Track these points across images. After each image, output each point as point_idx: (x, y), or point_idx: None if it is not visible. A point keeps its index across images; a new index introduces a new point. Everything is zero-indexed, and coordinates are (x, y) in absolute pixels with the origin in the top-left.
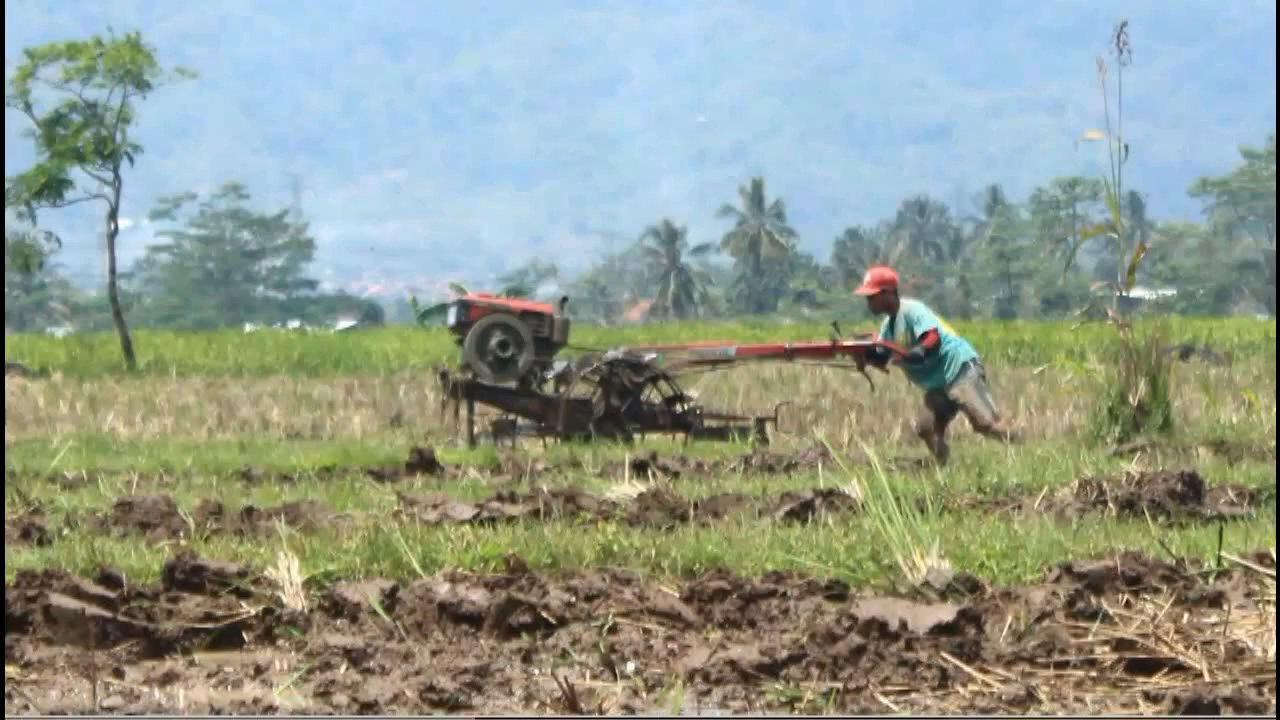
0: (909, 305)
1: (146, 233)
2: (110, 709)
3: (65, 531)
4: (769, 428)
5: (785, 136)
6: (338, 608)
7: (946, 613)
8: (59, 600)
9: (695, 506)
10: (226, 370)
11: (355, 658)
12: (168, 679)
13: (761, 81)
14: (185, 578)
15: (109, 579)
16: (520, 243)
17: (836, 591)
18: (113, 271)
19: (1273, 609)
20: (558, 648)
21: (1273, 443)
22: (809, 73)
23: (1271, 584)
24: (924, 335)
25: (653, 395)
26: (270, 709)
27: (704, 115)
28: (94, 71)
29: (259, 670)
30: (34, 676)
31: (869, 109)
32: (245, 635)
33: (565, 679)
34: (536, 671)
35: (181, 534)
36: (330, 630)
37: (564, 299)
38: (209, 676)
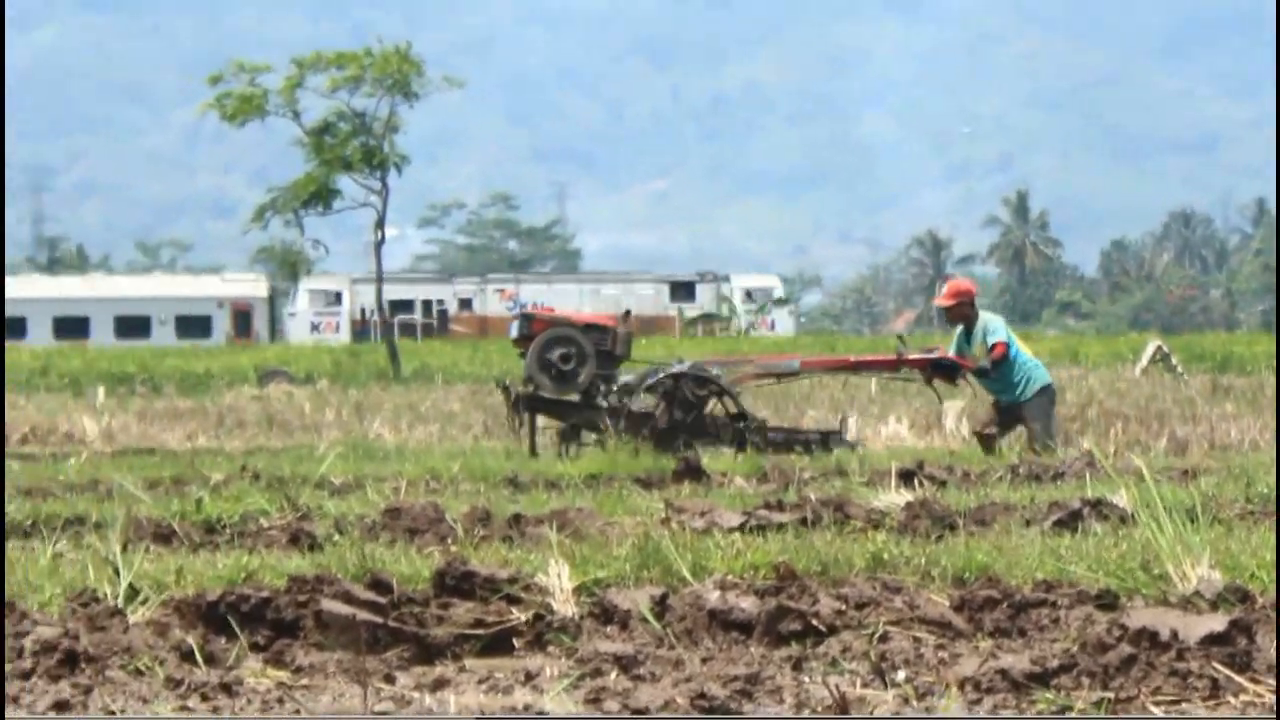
0: (986, 317)
1: (413, 241)
2: (382, 714)
3: (335, 537)
4: (834, 440)
5: (1049, 148)
6: (608, 614)
7: (1218, 623)
8: (330, 606)
9: (963, 515)
10: (492, 377)
11: (626, 664)
12: (438, 684)
13: (1025, 93)
14: (455, 584)
15: (379, 584)
16: (784, 252)
17: (1106, 601)
18: (379, 280)
19: None
20: (828, 655)
21: None
22: (1073, 84)
23: None
24: (993, 347)
25: (716, 409)
26: (541, 715)
27: (968, 127)
28: (362, 81)
29: (529, 676)
30: (305, 682)
31: (1134, 120)
32: (515, 641)
33: (836, 686)
34: (807, 679)
35: (450, 540)
36: (600, 637)
37: (627, 312)
38: (479, 682)
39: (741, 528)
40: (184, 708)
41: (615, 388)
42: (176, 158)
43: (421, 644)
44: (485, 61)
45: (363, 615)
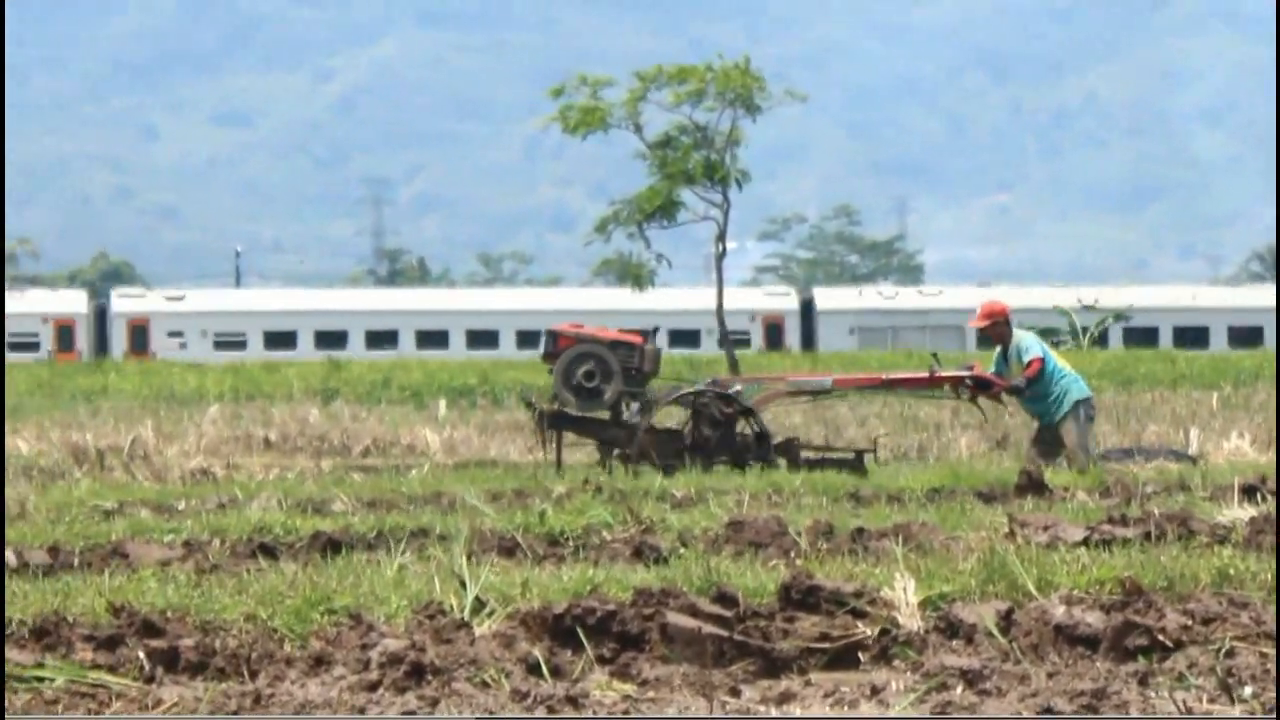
0: (1020, 336)
1: (753, 254)
2: None
3: (679, 550)
4: (866, 459)
5: None
6: (953, 629)
7: None
8: (675, 619)
9: None
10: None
11: (971, 679)
12: (784, 698)
13: None
14: (800, 597)
15: (724, 598)
16: (1123, 267)
17: None
18: (720, 294)
19: None
20: (1174, 671)
21: None
22: None
23: None
24: (1028, 365)
25: (744, 427)
26: None
27: None
28: (704, 95)
29: (875, 691)
30: (651, 695)
31: None
32: (861, 655)
33: (1183, 702)
34: (1153, 694)
35: (793, 553)
36: (946, 651)
37: (655, 329)
38: (825, 696)
39: (1085, 542)
40: None
41: (640, 405)
42: (517, 171)
43: (767, 658)
44: (825, 74)
45: (708, 629)
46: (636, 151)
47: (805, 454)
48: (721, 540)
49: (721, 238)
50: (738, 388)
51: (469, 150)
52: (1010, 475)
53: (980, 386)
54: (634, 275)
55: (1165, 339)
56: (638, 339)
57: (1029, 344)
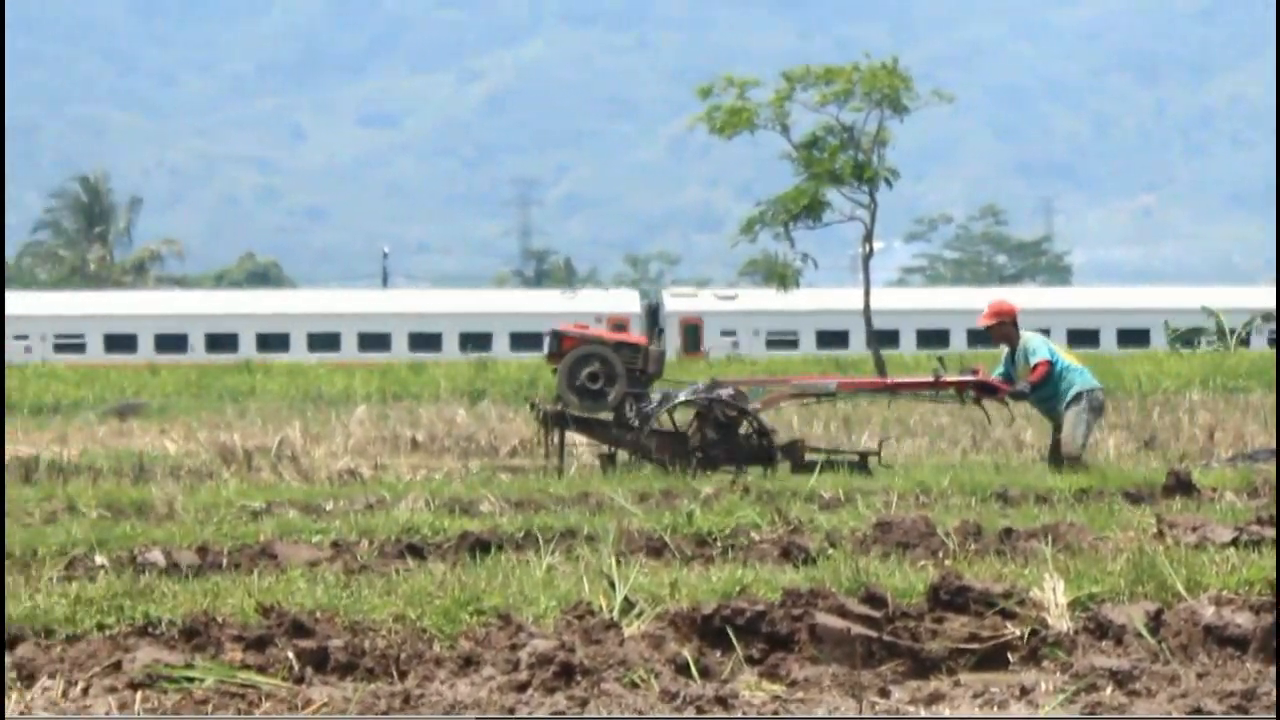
0: (1028, 337)
1: (899, 255)
2: None
3: (827, 551)
4: (870, 461)
5: None
6: (1102, 629)
7: None
8: (825, 620)
9: None
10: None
11: (1121, 680)
12: (933, 699)
13: None
14: (949, 598)
15: (873, 598)
16: (1269, 268)
17: None
18: (867, 293)
19: None
20: None
21: None
22: None
23: None
24: (1035, 367)
25: (747, 429)
26: None
27: None
28: (850, 95)
29: (1024, 691)
30: (800, 695)
31: None
32: (1010, 656)
33: None
34: None
35: (941, 554)
36: (1095, 652)
37: (660, 331)
38: (974, 697)
39: (1234, 543)
40: None
41: (644, 407)
42: (663, 171)
43: (915, 658)
44: (971, 74)
45: (857, 629)
46: (782, 152)
47: (810, 456)
48: (869, 541)
49: (868, 238)
50: (734, 390)
51: (616, 150)
52: (1158, 476)
53: (984, 391)
54: (780, 275)
55: None
56: (642, 340)
57: (1036, 345)
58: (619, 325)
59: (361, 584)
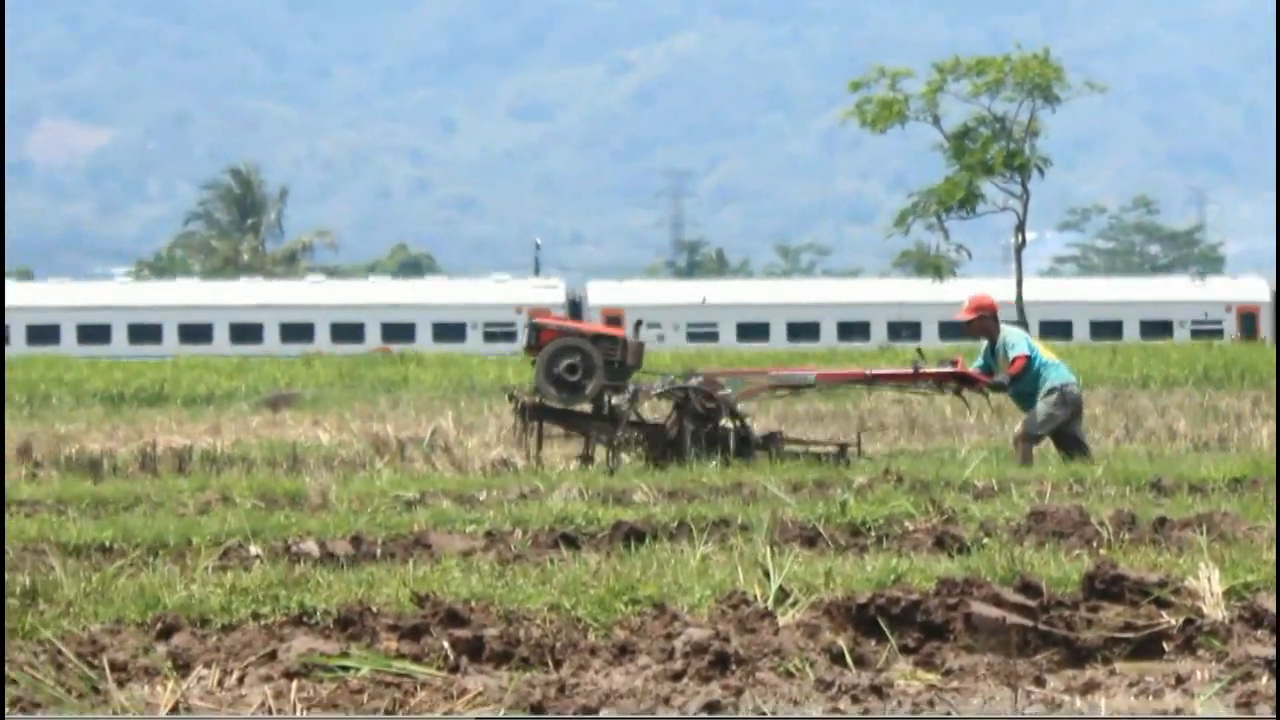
0: (1007, 331)
1: (1051, 245)
2: (1032, 718)
3: (982, 540)
4: (849, 453)
5: None
6: (1257, 618)
7: None
8: (980, 609)
9: None
10: (1132, 382)
11: (1276, 669)
12: (1089, 688)
13: None
14: (1104, 587)
15: (1029, 588)
16: None
17: None
18: (1019, 284)
19: None
20: None
21: None
22: None
23: None
24: (1014, 361)
25: (726, 420)
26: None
27: None
28: (1002, 86)
29: (1180, 680)
30: (955, 684)
31: None
32: (1165, 645)
33: None
34: None
35: (1095, 543)
36: (1250, 641)
37: (639, 323)
38: (1129, 686)
39: None
40: (834, 710)
41: (623, 399)
42: (815, 163)
43: (1071, 647)
44: (1124, 65)
45: (1012, 618)
46: (934, 143)
47: (789, 448)
48: (1024, 530)
49: (1021, 228)
50: (721, 381)
51: (768, 142)
52: None
53: (963, 383)
54: (934, 266)
55: None
56: (620, 332)
57: (1015, 340)
58: (613, 319)
59: (516, 573)
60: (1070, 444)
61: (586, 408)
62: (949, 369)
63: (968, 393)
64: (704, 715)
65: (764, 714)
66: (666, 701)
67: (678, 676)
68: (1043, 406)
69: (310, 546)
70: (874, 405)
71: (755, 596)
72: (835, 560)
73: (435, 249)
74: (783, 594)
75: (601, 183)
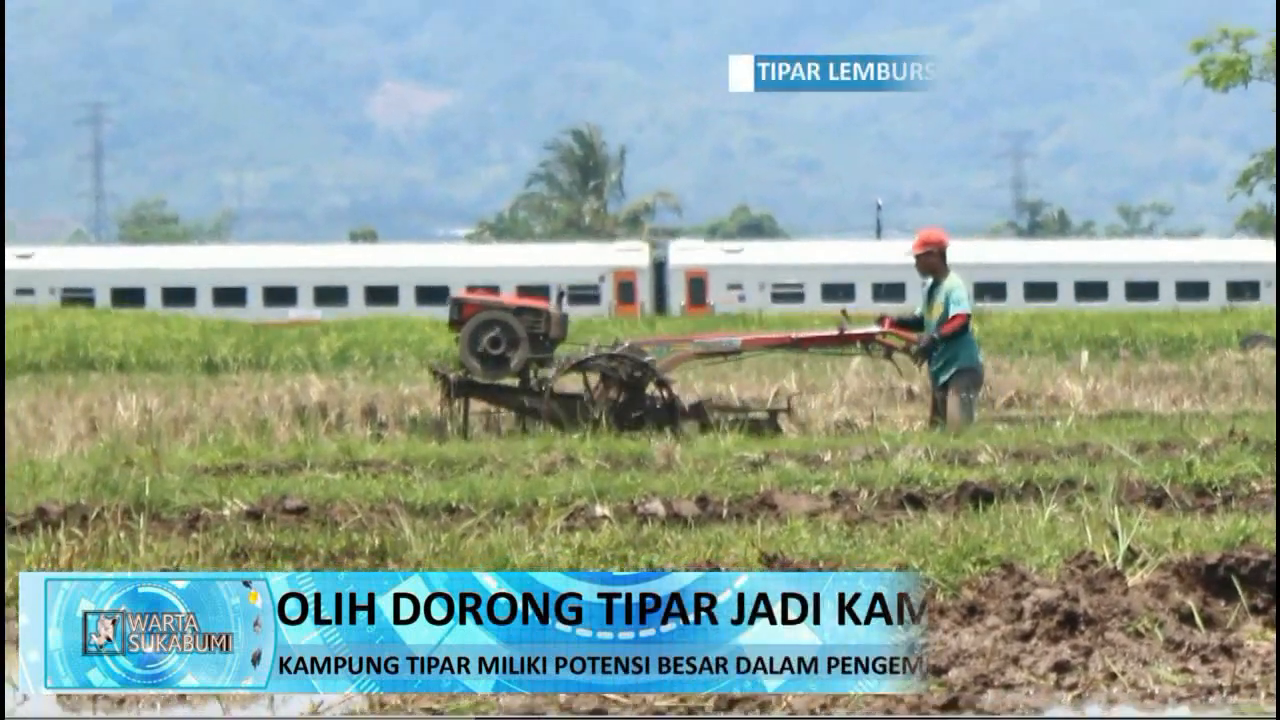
0: (953, 282)
1: None
2: None
3: None
4: (782, 419)
5: None
6: None
7: None
8: None
9: None
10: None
11: None
12: None
13: None
14: None
15: None
16: None
17: None
18: None
19: None
20: None
21: None
22: None
23: None
24: (953, 318)
25: (652, 389)
26: None
27: None
28: None
29: None
30: None
31: None
32: None
33: None
34: None
35: None
36: None
37: (561, 294)
38: None
39: None
40: (1184, 670)
41: (547, 370)
42: (1157, 123)
43: None
44: None
45: None
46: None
47: (718, 415)
48: None
49: None
50: (649, 352)
51: (1110, 103)
52: None
53: (891, 345)
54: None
55: None
56: (544, 304)
57: (959, 296)
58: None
59: (863, 533)
60: (941, 411)
61: (513, 381)
62: (875, 329)
63: (898, 356)
64: (1053, 676)
65: (1113, 675)
66: (1015, 662)
67: (1026, 637)
68: (955, 402)
69: (656, 507)
70: (1217, 366)
71: (1104, 557)
72: (1182, 520)
73: (776, 210)
74: (1131, 554)
75: (942, 144)
